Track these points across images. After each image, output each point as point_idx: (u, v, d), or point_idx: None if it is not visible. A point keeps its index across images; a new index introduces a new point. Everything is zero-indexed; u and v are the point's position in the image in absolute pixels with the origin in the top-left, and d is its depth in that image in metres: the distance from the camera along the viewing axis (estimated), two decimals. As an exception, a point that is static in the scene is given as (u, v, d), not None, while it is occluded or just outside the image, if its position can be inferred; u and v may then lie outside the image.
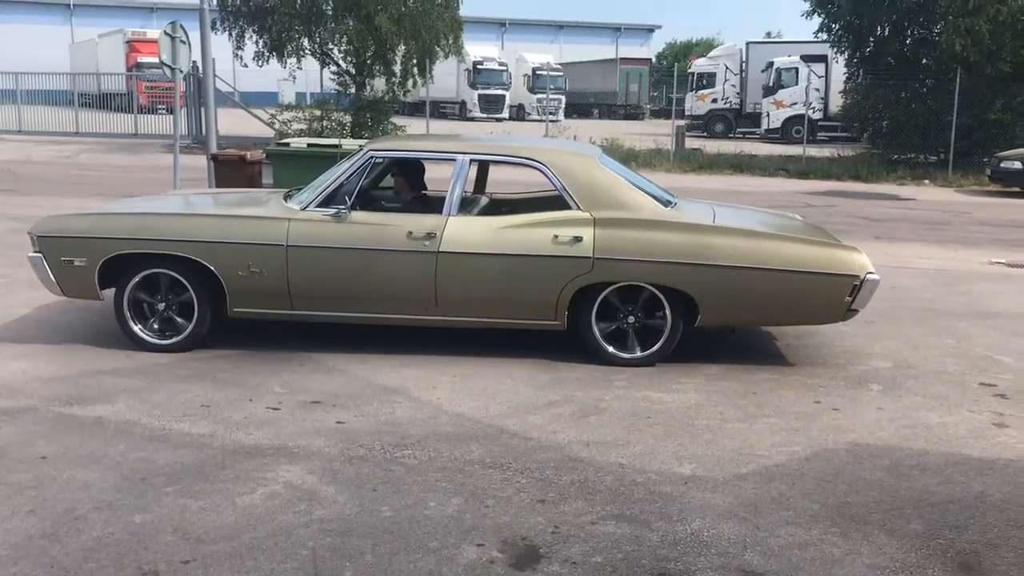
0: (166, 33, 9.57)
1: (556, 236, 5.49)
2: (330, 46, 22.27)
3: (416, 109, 31.98)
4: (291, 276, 5.60)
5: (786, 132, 30.79)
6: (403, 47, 21.77)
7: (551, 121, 23.52)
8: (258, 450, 4.26)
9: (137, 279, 5.69)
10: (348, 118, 21.92)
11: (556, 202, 5.74)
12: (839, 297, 5.51)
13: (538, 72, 46.98)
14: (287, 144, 8.88)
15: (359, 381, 5.32)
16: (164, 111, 29.80)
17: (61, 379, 5.21)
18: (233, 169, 9.03)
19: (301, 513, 3.62)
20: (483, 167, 6.63)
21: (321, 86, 24.96)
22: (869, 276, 5.51)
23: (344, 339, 5.98)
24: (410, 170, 6.42)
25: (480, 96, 44.48)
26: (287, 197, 6.06)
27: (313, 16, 21.67)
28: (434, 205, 5.87)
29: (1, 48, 47.27)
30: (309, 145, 8.88)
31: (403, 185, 6.46)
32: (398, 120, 23.10)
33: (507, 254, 5.52)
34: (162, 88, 33.87)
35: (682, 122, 24.06)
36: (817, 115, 29.60)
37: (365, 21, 20.73)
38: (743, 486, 3.99)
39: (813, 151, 23.07)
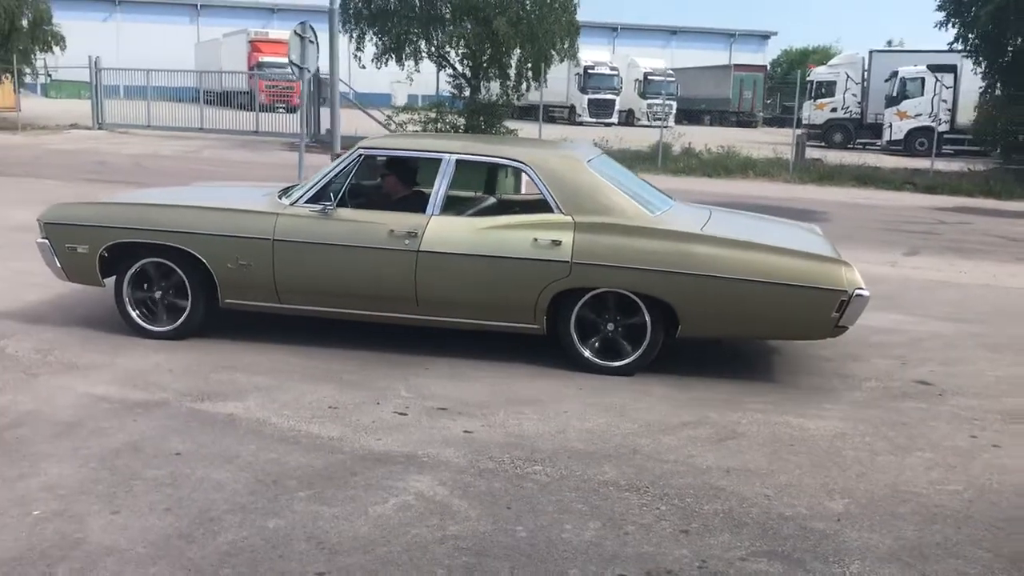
0: (296, 33, 9.71)
1: (535, 239, 5.41)
2: (447, 49, 22.41)
3: (525, 113, 31.98)
4: (277, 270, 5.67)
5: (909, 144, 29.50)
6: (519, 51, 21.74)
7: (664, 127, 23.07)
8: (388, 457, 4.18)
9: (136, 267, 5.86)
10: (462, 121, 22.03)
11: (543, 205, 5.62)
12: (825, 313, 5.23)
13: (650, 77, 46.53)
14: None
15: (485, 389, 5.20)
16: (283, 110, 30.65)
17: (194, 373, 5.26)
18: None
19: (434, 528, 3.51)
20: (486, 168, 6.47)
21: (437, 89, 25.14)
22: (858, 293, 5.19)
23: (471, 345, 5.87)
24: (401, 169, 6.29)
25: (590, 101, 44.25)
26: (282, 193, 6.08)
27: (432, 19, 21.84)
28: (422, 204, 5.73)
29: (130, 46, 49.72)
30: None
31: (394, 184, 6.31)
32: (510, 124, 23.08)
33: (485, 255, 5.46)
34: (281, 87, 35.07)
35: (800, 131, 23.23)
36: (943, 127, 28.27)
37: (483, 24, 20.79)
38: (902, 527, 3.69)
39: (941, 165, 21.99)
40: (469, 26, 21.25)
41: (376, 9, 21.94)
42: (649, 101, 46.13)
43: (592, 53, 43.84)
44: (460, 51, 22.20)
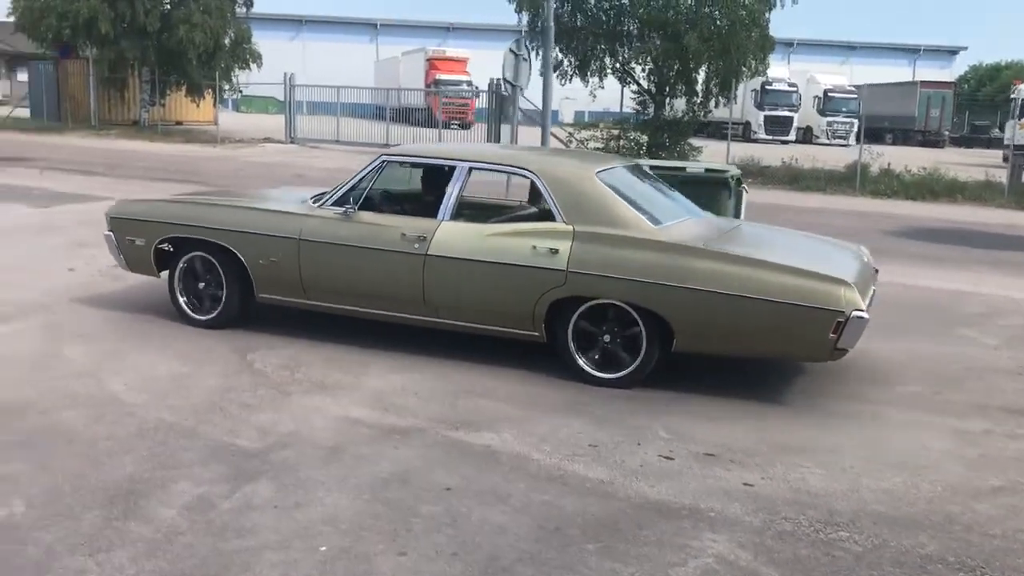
0: (511, 51, 9.62)
1: (534, 247, 5.44)
2: (632, 65, 22.05)
3: (698, 129, 31.12)
4: (303, 267, 5.96)
5: None
6: (707, 66, 21.13)
7: (845, 145, 21.82)
8: (668, 509, 3.83)
9: (184, 260, 6.32)
10: (645, 138, 21.62)
11: (549, 214, 5.63)
12: (823, 334, 4.97)
13: (830, 94, 44.71)
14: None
15: (748, 433, 4.77)
16: (457, 126, 31.17)
17: (440, 399, 5.10)
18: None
19: (748, 599, 3.12)
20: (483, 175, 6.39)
21: (621, 105, 24.86)
22: (856, 314, 4.91)
23: (722, 381, 5.47)
24: (429, 175, 6.53)
25: (766, 118, 42.92)
26: (316, 197, 6.27)
27: (618, 35, 21.56)
28: (436, 210, 5.83)
29: (314, 64, 52.01)
30: (651, 167, 8.48)
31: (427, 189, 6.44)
32: (694, 141, 22.47)
33: (486, 261, 5.52)
34: (456, 104, 35.80)
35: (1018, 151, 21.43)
36: None
37: (672, 40, 20.31)
38: None
39: None
40: (658, 41, 20.81)
41: (563, 26, 21.85)
42: (829, 119, 44.35)
43: (769, 69, 42.33)
44: (646, 67, 21.79)
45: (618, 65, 22.24)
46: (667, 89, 22.16)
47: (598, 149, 21.15)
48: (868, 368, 5.92)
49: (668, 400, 5.23)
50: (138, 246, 6.46)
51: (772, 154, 24.04)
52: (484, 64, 47.09)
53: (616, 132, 21.55)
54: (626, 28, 21.86)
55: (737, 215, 8.62)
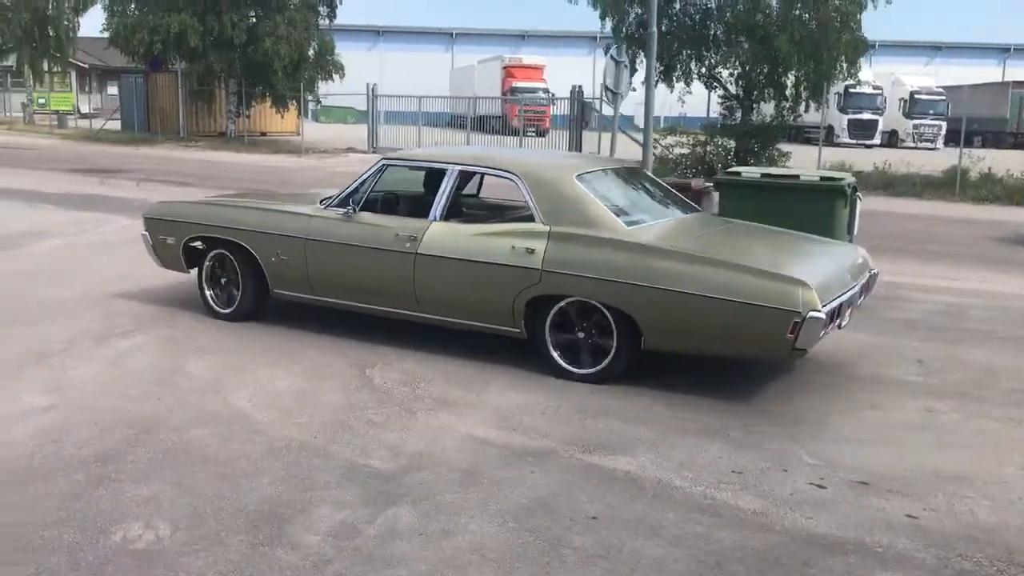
0: (612, 58, 9.44)
1: (513, 246, 5.63)
2: (719, 70, 21.65)
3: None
4: (309, 265, 6.33)
5: None
6: (797, 69, 20.61)
7: (932, 149, 20.97)
8: (831, 543, 3.59)
9: (210, 258, 6.80)
10: (732, 143, 21.17)
11: (531, 214, 5.82)
12: (780, 333, 4.96)
13: (916, 96, 43.40)
14: (737, 173, 8.30)
15: (903, 458, 4.49)
16: (533, 134, 31.04)
17: (567, 418, 4.93)
18: (675, 197, 8.59)
19: (942, 649, 2.88)
20: (473, 178, 6.80)
21: (707, 111, 24.43)
22: (812, 314, 4.89)
23: (851, 403, 5.20)
24: (424, 178, 6.79)
25: (850, 121, 41.79)
26: (325, 199, 6.57)
27: (703, 40, 21.19)
28: (428, 210, 6.10)
29: (391, 73, 52.56)
30: (763, 175, 8.22)
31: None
32: (782, 147, 21.92)
33: (469, 260, 5.75)
34: (533, 112, 35.69)
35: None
36: None
37: (761, 43, 19.86)
38: None
39: None
40: (746, 45, 20.38)
41: (648, 33, 21.57)
42: (915, 121, 43.03)
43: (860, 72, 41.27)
44: (734, 71, 21.36)
45: (704, 70, 21.86)
46: (755, 93, 21.70)
47: (683, 155, 20.82)
48: (1020, 388, 5.58)
49: (799, 420, 4.99)
50: (169, 244, 7.00)
51: (860, 159, 23.31)
52: (559, 71, 47.19)
53: (703, 138, 21.14)
54: (712, 32, 21.49)
55: (852, 225, 8.29)
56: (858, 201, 8.41)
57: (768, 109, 22.18)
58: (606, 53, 23.32)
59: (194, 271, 7.00)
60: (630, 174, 6.81)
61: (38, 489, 3.85)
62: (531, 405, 5.13)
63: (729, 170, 8.62)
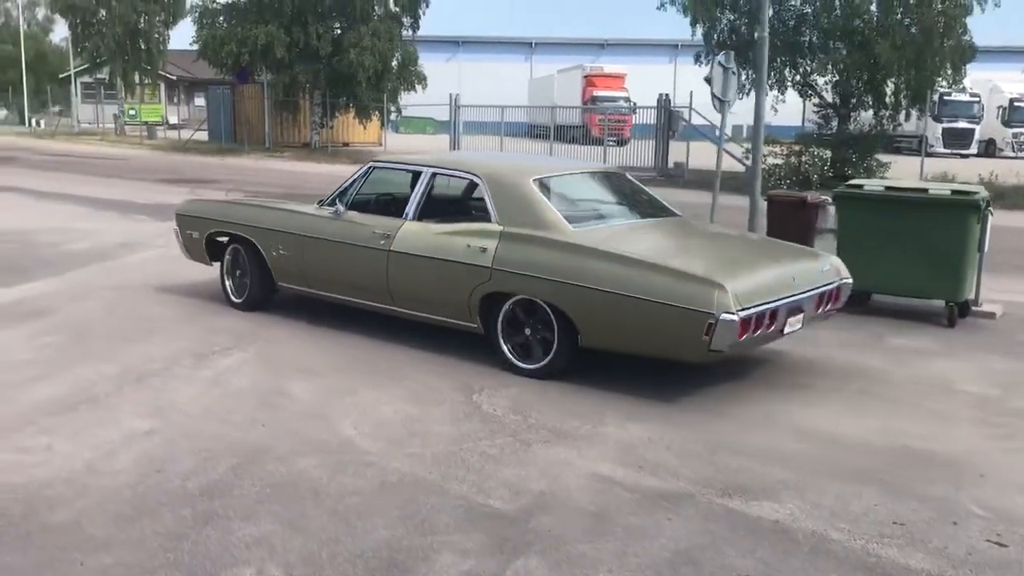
0: (720, 64, 9.00)
1: (469, 245, 5.90)
2: (813, 77, 20.93)
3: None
4: (304, 259, 6.80)
5: None
6: (897, 76, 19.79)
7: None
8: (1029, 616, 3.12)
9: (228, 251, 7.39)
10: (828, 153, 20.43)
11: (488, 214, 6.07)
12: (696, 334, 5.03)
13: (1017, 104, 41.58)
14: (859, 187, 7.77)
15: (1083, 514, 3.97)
16: (613, 143, 30.51)
17: (695, 455, 4.53)
18: (788, 212, 8.11)
19: None
20: (446, 180, 6.83)
21: (802, 120, 23.66)
22: (724, 316, 4.92)
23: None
24: (407, 179, 6.88)
25: (944, 130, 40.12)
26: (322, 200, 6.99)
27: (798, 47, 20.51)
28: (403, 210, 6.45)
29: (469, 83, 52.63)
30: (887, 189, 7.68)
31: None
32: (882, 157, 21.06)
33: (431, 257, 6.05)
34: (613, 121, 35.16)
35: None
36: None
37: (860, 49, 19.12)
38: None
39: None
40: (844, 51, 19.65)
41: (741, 39, 21.00)
42: (1015, 130, 41.22)
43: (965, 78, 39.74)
44: (831, 79, 20.62)
45: (798, 77, 21.18)
46: (852, 102, 20.93)
47: (776, 166, 20.12)
48: None
49: (955, 462, 4.49)
50: (195, 239, 7.68)
51: (960, 169, 22.24)
52: (639, 80, 46.57)
53: (797, 148, 20.43)
54: (807, 39, 20.81)
55: (983, 242, 7.69)
56: (989, 216, 7.80)
57: (865, 118, 21.38)
58: (698, 61, 22.88)
59: (217, 264, 7.61)
60: (607, 178, 7.13)
61: (144, 526, 3.61)
62: (654, 439, 4.74)
63: (850, 183, 8.09)
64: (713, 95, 9.23)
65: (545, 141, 29.28)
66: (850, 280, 6.14)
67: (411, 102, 33.10)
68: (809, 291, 5.64)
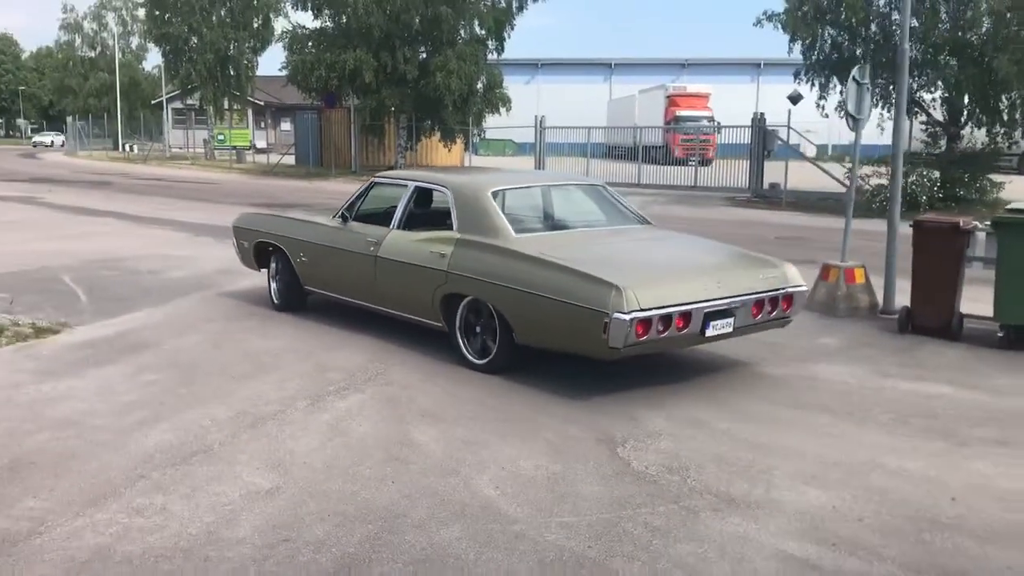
0: (854, 79, 8.31)
1: (431, 251, 6.44)
2: (920, 94, 19.89)
3: (969, 162, 27.98)
4: (319, 265, 7.60)
5: None
6: (1015, 92, 18.64)
7: None
8: None
9: (273, 258, 8.19)
10: (936, 173, 19.34)
11: (451, 223, 6.59)
12: (596, 332, 5.32)
13: None
14: (1021, 211, 7.00)
15: None
16: (695, 163, 29.65)
17: (895, 530, 3.87)
18: (938, 238, 7.34)
19: None
20: (426, 193, 7.18)
21: (909, 138, 22.52)
22: (617, 316, 5.22)
23: None
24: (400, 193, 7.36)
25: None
26: (335, 212, 7.69)
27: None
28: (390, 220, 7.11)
29: (547, 105, 52.33)
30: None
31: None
32: (995, 177, 19.88)
33: (403, 261, 6.65)
34: (697, 140, 34.31)
35: None
36: None
37: (974, 64, 18.06)
38: None
39: None
40: (954, 66, 18.59)
41: (843, 56, 20.11)
42: None
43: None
44: (940, 95, 19.56)
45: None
46: (962, 119, 19.81)
47: (880, 186, 19.11)
48: None
49: None
50: (245, 247, 8.55)
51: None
52: (721, 99, 45.56)
53: (904, 169, 19.36)
54: (913, 54, 19.77)
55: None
56: None
57: (977, 136, 20.21)
58: (796, 78, 22.01)
59: (264, 271, 8.42)
60: (579, 191, 7.61)
61: (280, 615, 3.14)
62: (840, 507, 4.10)
63: (1011, 207, 7.29)
64: (847, 113, 8.53)
65: (625, 162, 28.66)
66: (803, 288, 6.34)
67: (491, 124, 32.90)
68: (740, 296, 5.82)
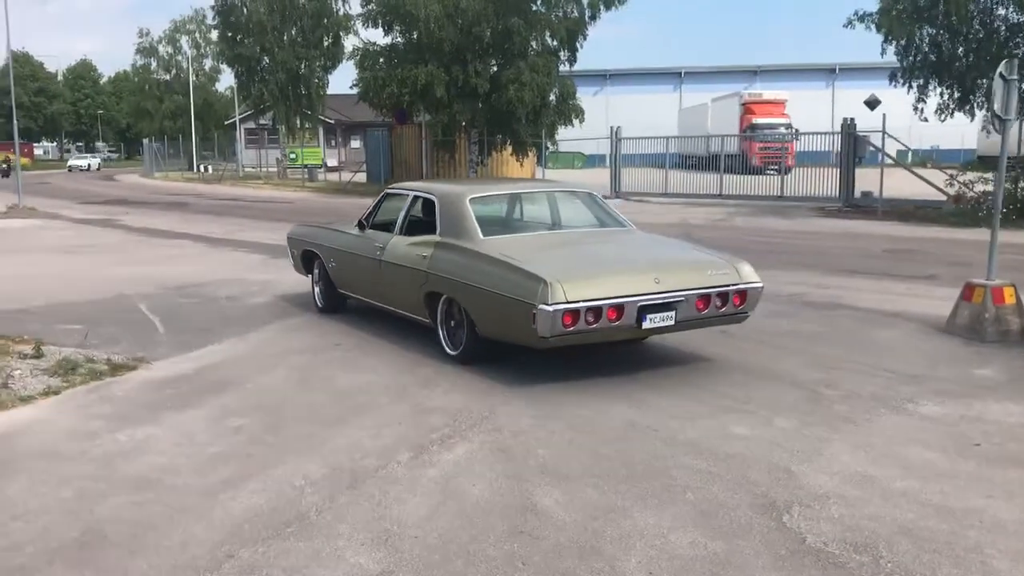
0: (1000, 75, 7.39)
1: (417, 253, 7.10)
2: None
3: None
4: (345, 270, 8.32)
5: None
6: None
7: None
8: None
9: (316, 265, 8.94)
10: (1050, 179, 18.03)
11: (436, 228, 7.21)
12: (527, 323, 5.76)
13: None
14: None
15: None
16: (774, 172, 28.42)
17: None
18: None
19: None
20: (421, 201, 7.66)
21: (1019, 143, 21.17)
22: (542, 307, 5.64)
23: None
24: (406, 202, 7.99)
25: None
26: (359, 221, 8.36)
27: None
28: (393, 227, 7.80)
29: (616, 116, 51.41)
30: None
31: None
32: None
33: (397, 263, 7.36)
34: (774, 148, 33.04)
35: None
36: None
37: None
38: None
39: None
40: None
41: (943, 56, 18.94)
42: None
43: None
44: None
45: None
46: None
47: (987, 192, 17.89)
48: None
49: None
50: (295, 255, 9.42)
51: None
52: (794, 105, 44.11)
53: (1014, 173, 18.11)
54: (1021, 50, 18.52)
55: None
56: None
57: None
58: (892, 81, 20.85)
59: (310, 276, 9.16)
60: (563, 197, 7.92)
61: None
62: (1086, 602, 3.27)
63: None
64: (992, 114, 7.61)
65: (701, 172, 27.61)
66: (758, 284, 6.45)
67: (563, 137, 32.15)
68: (682, 291, 6.07)
